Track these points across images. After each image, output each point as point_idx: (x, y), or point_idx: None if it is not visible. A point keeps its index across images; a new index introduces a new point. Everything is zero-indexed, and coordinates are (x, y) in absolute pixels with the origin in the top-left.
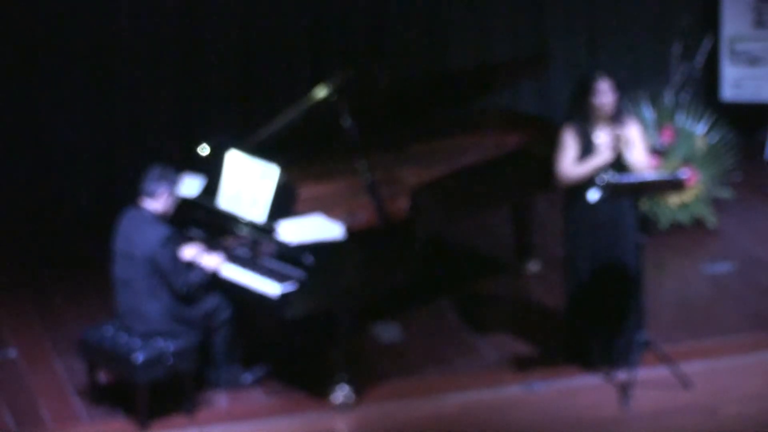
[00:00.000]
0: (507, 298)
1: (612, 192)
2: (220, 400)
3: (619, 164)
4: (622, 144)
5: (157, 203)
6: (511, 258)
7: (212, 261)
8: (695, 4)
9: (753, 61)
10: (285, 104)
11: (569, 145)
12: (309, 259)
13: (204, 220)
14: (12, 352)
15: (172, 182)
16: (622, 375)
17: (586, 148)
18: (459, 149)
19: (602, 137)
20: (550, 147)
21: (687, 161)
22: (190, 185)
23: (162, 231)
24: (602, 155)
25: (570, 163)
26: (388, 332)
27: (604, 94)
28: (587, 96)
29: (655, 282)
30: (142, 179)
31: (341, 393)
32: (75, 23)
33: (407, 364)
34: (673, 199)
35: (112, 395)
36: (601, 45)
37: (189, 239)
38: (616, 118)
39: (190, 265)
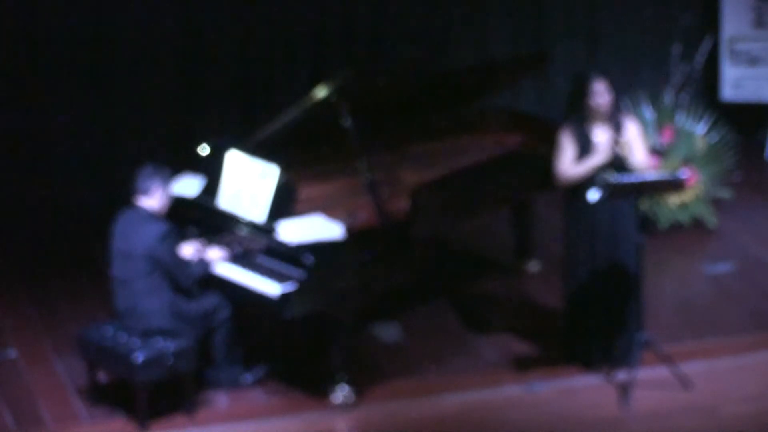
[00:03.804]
0: (507, 298)
1: (612, 192)
2: (220, 400)
3: (619, 165)
4: (625, 150)
5: (152, 200)
6: (511, 258)
7: (214, 254)
8: (695, 4)
9: (753, 61)
10: (285, 104)
11: (567, 145)
12: (309, 259)
13: (204, 220)
14: (12, 352)
15: (165, 179)
16: (622, 375)
17: (585, 148)
18: (459, 149)
19: (601, 136)
20: (550, 147)
21: (687, 161)
22: (190, 185)
23: (159, 227)
24: (600, 155)
25: (568, 163)
26: (388, 332)
27: (601, 95)
28: (584, 97)
29: (655, 282)
30: (134, 178)
31: (341, 393)
32: (75, 23)
33: (407, 364)
34: (673, 199)
35: (112, 395)
36: (601, 45)
37: (188, 238)
38: (613, 117)
39: (190, 263)
